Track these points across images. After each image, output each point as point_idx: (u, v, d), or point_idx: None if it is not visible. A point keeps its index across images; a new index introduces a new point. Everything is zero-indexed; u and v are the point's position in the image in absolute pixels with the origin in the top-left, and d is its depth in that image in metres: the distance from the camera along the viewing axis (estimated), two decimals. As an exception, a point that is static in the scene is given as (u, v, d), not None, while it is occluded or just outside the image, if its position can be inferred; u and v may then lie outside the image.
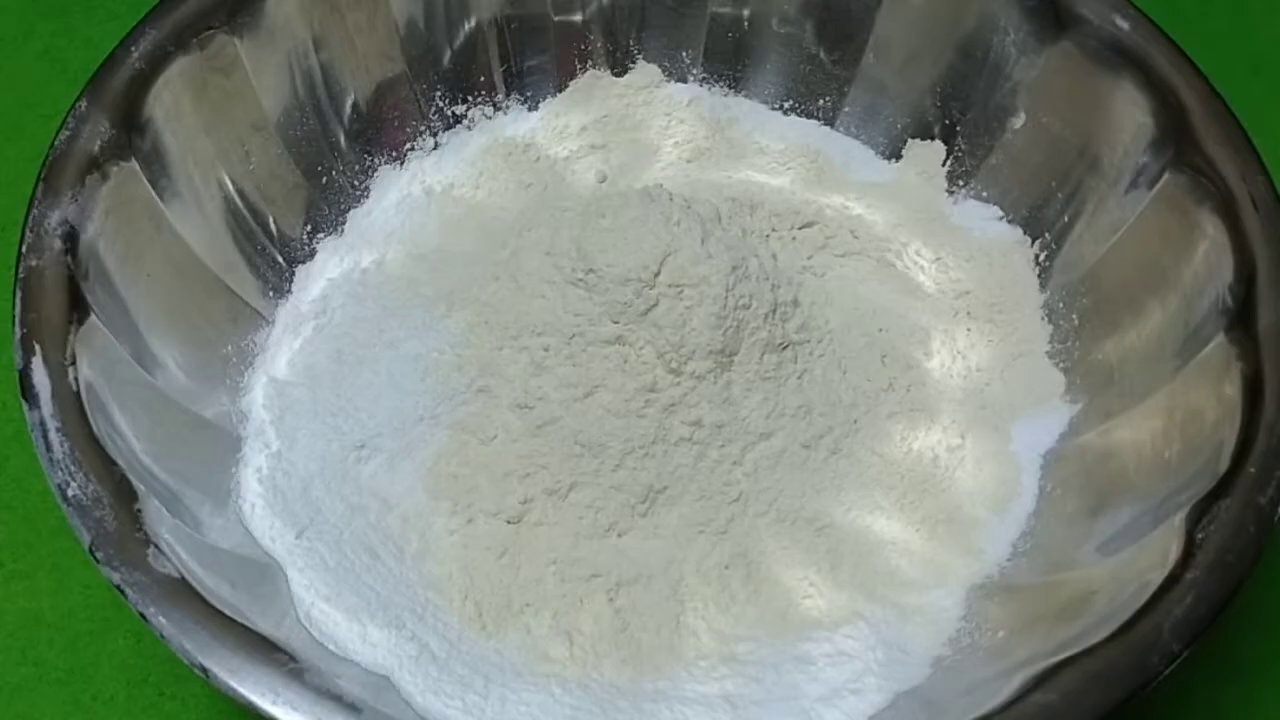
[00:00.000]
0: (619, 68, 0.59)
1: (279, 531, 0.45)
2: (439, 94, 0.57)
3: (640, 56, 0.59)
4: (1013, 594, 0.44)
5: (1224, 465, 0.40)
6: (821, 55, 0.57)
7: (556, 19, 0.57)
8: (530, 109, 0.58)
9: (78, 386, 0.40)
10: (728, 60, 0.58)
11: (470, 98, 0.57)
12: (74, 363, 0.41)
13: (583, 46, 0.58)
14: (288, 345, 0.51)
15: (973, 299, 0.53)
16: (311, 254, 0.54)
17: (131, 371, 0.44)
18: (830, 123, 0.58)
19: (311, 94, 0.53)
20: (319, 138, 0.54)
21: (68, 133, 0.45)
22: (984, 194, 0.54)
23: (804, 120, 0.58)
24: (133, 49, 0.47)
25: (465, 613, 0.44)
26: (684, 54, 0.58)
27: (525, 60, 0.58)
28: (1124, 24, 0.49)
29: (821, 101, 0.57)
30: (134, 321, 0.45)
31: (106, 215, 0.44)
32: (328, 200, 0.54)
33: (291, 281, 0.53)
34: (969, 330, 0.52)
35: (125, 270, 0.45)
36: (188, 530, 0.41)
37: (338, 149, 0.54)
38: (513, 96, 0.58)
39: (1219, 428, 0.41)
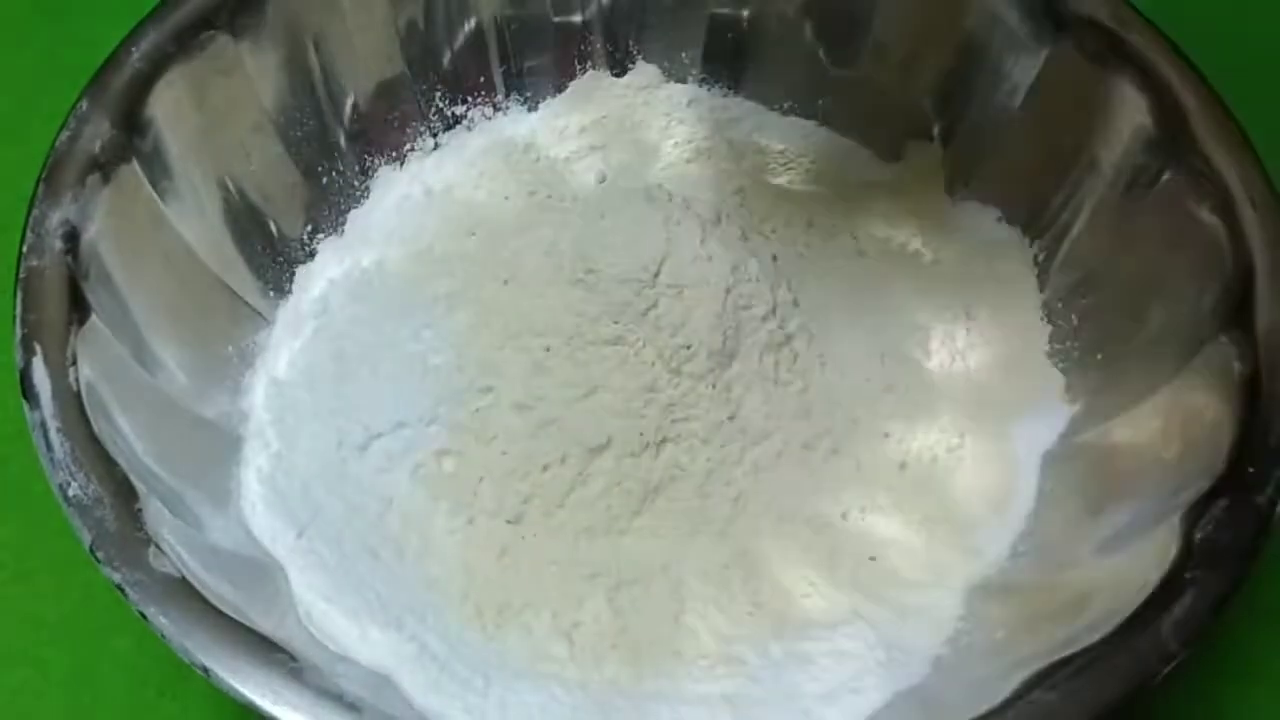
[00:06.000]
0: (619, 68, 0.59)
1: (279, 531, 0.45)
2: (439, 94, 0.57)
3: (640, 57, 0.59)
4: (1012, 594, 0.44)
5: (1222, 465, 0.40)
6: (821, 55, 0.57)
7: (556, 20, 0.57)
8: (530, 109, 0.58)
9: (78, 387, 0.40)
10: (728, 60, 0.58)
11: (470, 98, 0.57)
12: (75, 363, 0.41)
13: (582, 47, 0.58)
14: (288, 345, 0.51)
15: (972, 299, 0.53)
16: (311, 254, 0.53)
17: (132, 371, 0.44)
18: (830, 123, 0.58)
19: (311, 94, 0.53)
20: (319, 138, 0.53)
21: (68, 133, 0.45)
22: (984, 194, 0.54)
23: (804, 120, 0.58)
24: (133, 49, 0.47)
25: (465, 613, 0.45)
26: (684, 54, 0.58)
27: (525, 61, 0.58)
28: (1123, 24, 0.49)
29: (821, 101, 0.57)
30: (134, 322, 0.45)
31: (107, 216, 0.44)
32: (328, 200, 0.54)
33: (291, 281, 0.53)
34: (969, 330, 0.52)
35: (126, 271, 0.45)
36: (188, 530, 0.41)
37: (338, 149, 0.54)
38: (512, 97, 0.58)
39: (1218, 428, 0.41)
